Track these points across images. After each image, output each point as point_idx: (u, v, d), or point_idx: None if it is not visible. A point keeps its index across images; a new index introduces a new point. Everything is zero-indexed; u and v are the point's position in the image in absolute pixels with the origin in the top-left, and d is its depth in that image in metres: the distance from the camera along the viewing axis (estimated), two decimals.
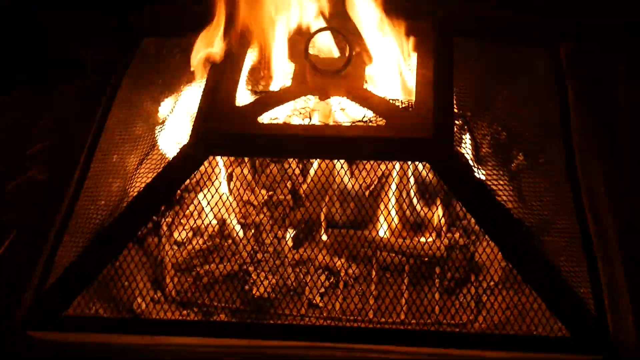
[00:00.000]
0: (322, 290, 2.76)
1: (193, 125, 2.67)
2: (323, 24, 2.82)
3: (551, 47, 3.18)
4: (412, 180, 2.77)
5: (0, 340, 2.57)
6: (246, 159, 2.89)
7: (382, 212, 2.81)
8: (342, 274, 2.79)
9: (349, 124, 2.64)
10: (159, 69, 3.14)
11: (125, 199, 2.75)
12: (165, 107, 3.01)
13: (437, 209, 2.81)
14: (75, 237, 2.74)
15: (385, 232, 2.80)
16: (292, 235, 2.83)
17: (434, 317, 2.67)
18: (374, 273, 2.79)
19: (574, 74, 3.10)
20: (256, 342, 2.58)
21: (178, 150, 2.67)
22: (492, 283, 2.69)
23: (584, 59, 3.14)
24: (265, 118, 2.65)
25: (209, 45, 2.81)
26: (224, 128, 2.62)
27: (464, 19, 3.11)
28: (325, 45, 2.88)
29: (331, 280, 2.79)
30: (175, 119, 2.92)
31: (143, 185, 2.69)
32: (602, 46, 3.17)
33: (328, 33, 2.85)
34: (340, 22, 2.84)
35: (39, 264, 2.70)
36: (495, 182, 2.65)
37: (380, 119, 2.62)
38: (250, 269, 2.78)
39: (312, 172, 2.84)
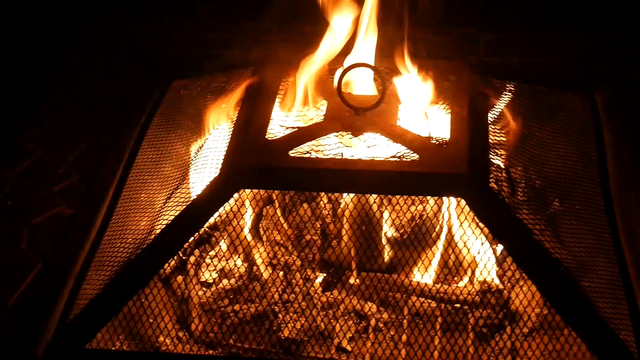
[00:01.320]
0: (351, 334, 2.67)
1: (224, 158, 2.63)
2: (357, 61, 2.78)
3: (587, 91, 3.13)
4: (445, 221, 2.70)
5: None
6: (276, 199, 2.83)
7: (413, 255, 2.73)
8: (371, 320, 2.70)
9: (382, 159, 2.59)
10: (189, 109, 3.11)
11: (152, 235, 2.69)
12: (195, 148, 2.97)
13: (470, 252, 2.72)
14: (100, 272, 2.69)
15: (417, 277, 2.72)
16: (321, 278, 2.76)
17: None
18: (405, 319, 2.70)
19: (610, 118, 3.05)
20: None
21: (207, 184, 2.62)
22: (526, 330, 2.61)
23: (620, 103, 3.10)
24: (296, 152, 2.60)
25: None
26: (254, 161, 2.58)
27: (498, 62, 3.07)
28: (358, 82, 2.84)
29: (360, 324, 2.71)
30: (206, 158, 2.87)
31: (171, 219, 2.63)
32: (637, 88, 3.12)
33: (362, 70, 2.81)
34: (374, 59, 2.80)
35: (62, 297, 2.66)
36: (532, 222, 2.57)
37: (414, 154, 2.57)
38: (277, 309, 2.70)
39: (343, 212, 2.76)
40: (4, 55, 3.45)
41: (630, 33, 3.28)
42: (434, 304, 2.71)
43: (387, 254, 2.75)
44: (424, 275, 2.74)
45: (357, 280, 2.76)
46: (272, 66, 2.88)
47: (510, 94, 2.98)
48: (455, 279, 2.73)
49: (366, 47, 2.82)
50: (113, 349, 2.58)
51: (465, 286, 2.72)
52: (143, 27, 3.49)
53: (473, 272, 2.73)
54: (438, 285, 2.73)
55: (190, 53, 3.43)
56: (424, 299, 2.72)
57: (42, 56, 3.50)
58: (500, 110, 2.87)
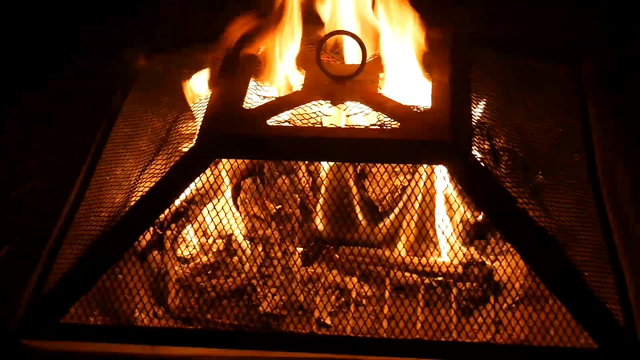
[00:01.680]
0: (332, 309, 2.62)
1: (199, 128, 2.57)
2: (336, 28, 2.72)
3: (572, 63, 3.09)
4: (426, 192, 2.65)
5: None
6: (254, 171, 2.76)
7: (395, 228, 2.68)
8: (353, 294, 2.65)
9: (362, 127, 2.53)
10: (166, 84, 3.05)
11: (126, 208, 2.63)
12: (172, 122, 2.91)
13: (452, 223, 2.67)
14: (74, 246, 2.63)
15: (399, 250, 2.66)
16: (301, 252, 2.69)
17: (450, 338, 2.51)
18: (387, 293, 2.64)
19: (595, 89, 3.01)
20: (261, 353, 2.44)
21: (183, 154, 2.56)
22: (510, 301, 2.56)
23: (605, 74, 3.06)
24: (274, 121, 2.54)
25: None
26: (231, 130, 2.52)
27: (482, 30, 3.02)
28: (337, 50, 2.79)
29: (341, 299, 2.65)
30: (182, 130, 2.81)
31: (145, 191, 2.57)
32: (623, 62, 3.07)
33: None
34: (354, 27, 2.74)
35: (35, 272, 2.60)
36: (516, 190, 2.52)
37: (395, 122, 2.51)
38: (255, 283, 2.64)
39: (323, 183, 2.70)
40: None
41: (616, 5, 3.24)
42: (415, 277, 2.65)
43: (367, 226, 2.68)
44: (406, 248, 2.67)
45: (337, 255, 2.70)
46: (248, 36, 2.81)
47: (494, 63, 2.92)
48: (437, 251, 2.66)
49: (346, 14, 2.76)
50: (87, 323, 2.51)
51: (447, 259, 2.66)
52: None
53: (455, 244, 2.66)
54: (420, 258, 2.66)
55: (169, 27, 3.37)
56: (405, 272, 2.65)
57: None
58: (484, 79, 2.81)
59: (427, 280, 2.65)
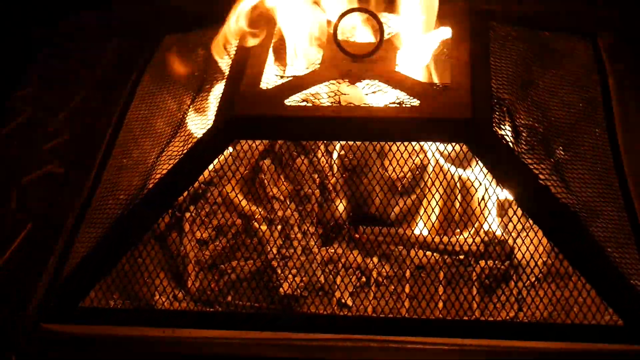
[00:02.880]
0: (352, 289, 2.60)
1: (217, 109, 2.55)
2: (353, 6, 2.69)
3: (590, 36, 3.05)
4: (447, 171, 2.62)
5: (14, 333, 2.44)
6: (273, 151, 2.74)
7: (416, 207, 2.65)
8: (374, 274, 2.63)
9: (381, 106, 2.50)
10: (181, 65, 3.02)
11: (144, 191, 2.61)
12: (188, 103, 2.89)
13: (473, 201, 2.64)
14: (92, 230, 2.62)
15: (420, 229, 2.64)
16: (321, 232, 2.67)
17: (473, 316, 2.49)
18: (408, 272, 2.62)
19: (614, 63, 2.97)
20: (282, 335, 2.42)
21: (201, 135, 2.54)
22: (532, 278, 2.53)
23: (623, 48, 3.03)
24: (292, 101, 2.51)
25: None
26: (249, 110, 2.49)
27: (498, 9, 2.98)
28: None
29: (362, 279, 2.63)
30: (199, 112, 2.79)
31: (164, 173, 2.55)
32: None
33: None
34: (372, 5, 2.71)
35: (54, 256, 2.59)
36: (537, 166, 2.49)
37: (415, 100, 2.48)
38: (275, 264, 2.62)
39: (342, 162, 2.68)
40: None
41: None
42: (437, 256, 2.63)
43: (387, 206, 2.66)
44: (427, 227, 2.65)
45: (357, 235, 2.68)
46: (263, 16, 2.78)
47: (512, 39, 2.88)
48: (458, 229, 2.63)
49: None
50: (107, 307, 2.50)
51: (468, 237, 2.63)
52: None
53: (477, 222, 2.64)
54: (441, 237, 2.64)
55: (183, 8, 3.33)
56: (426, 251, 2.63)
57: (34, 15, 3.41)
58: (502, 55, 2.77)
59: (448, 259, 2.63)
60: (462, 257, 2.64)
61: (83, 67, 3.22)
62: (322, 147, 2.70)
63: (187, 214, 2.73)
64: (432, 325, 2.43)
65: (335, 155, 2.71)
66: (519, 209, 2.51)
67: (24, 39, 3.40)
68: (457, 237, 2.64)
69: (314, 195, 2.71)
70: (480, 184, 2.56)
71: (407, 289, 2.58)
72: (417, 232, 2.66)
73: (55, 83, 3.19)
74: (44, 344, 2.44)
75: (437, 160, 2.60)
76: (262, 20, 2.75)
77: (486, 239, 2.63)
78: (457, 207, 2.63)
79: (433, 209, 2.63)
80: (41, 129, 3.00)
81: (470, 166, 2.57)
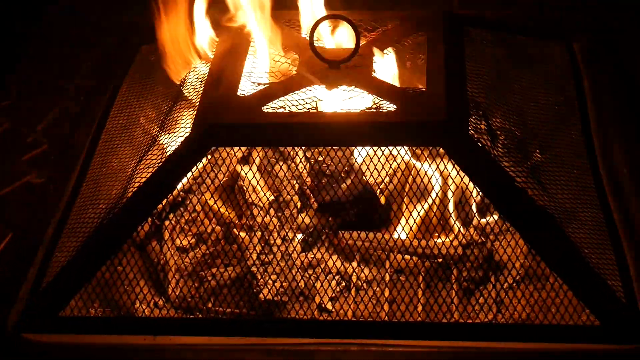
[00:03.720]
0: (332, 293, 2.61)
1: (195, 117, 2.56)
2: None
3: (565, 40, 3.08)
4: (424, 175, 2.63)
5: None
6: (251, 158, 2.75)
7: (394, 211, 2.67)
8: (354, 278, 2.64)
9: (358, 111, 2.52)
10: (158, 74, 3.02)
11: (123, 200, 2.62)
12: (166, 111, 2.89)
13: (450, 204, 2.66)
14: (72, 239, 2.61)
15: (398, 233, 2.66)
16: (300, 238, 2.69)
17: (452, 319, 2.51)
18: (387, 276, 2.64)
19: (588, 65, 3.00)
20: (263, 340, 2.43)
21: (179, 143, 2.55)
22: (510, 280, 2.55)
23: (597, 51, 3.06)
24: (269, 108, 2.53)
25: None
26: (227, 117, 2.51)
27: (472, 14, 3.00)
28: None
29: (342, 283, 2.64)
30: (177, 120, 2.80)
31: (142, 181, 2.56)
32: (615, 38, 3.07)
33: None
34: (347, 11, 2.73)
35: (33, 266, 2.58)
36: (514, 169, 2.51)
37: (391, 105, 2.50)
38: (255, 270, 2.63)
39: (320, 168, 2.70)
40: None
41: None
42: (415, 259, 2.64)
43: (365, 210, 2.68)
44: (405, 230, 2.67)
45: (336, 240, 2.69)
46: (240, 24, 2.80)
47: (487, 43, 2.90)
48: (437, 233, 2.65)
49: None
50: (88, 315, 2.50)
51: (447, 240, 2.65)
52: None
53: (455, 225, 2.66)
54: (419, 241, 2.65)
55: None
56: (405, 254, 2.65)
57: (10, 27, 3.42)
58: (477, 59, 2.80)
59: (427, 263, 2.64)
60: (440, 260, 2.65)
61: (61, 77, 3.21)
62: (300, 153, 2.71)
63: (167, 222, 2.73)
64: (411, 328, 2.44)
65: (313, 160, 2.72)
66: (496, 211, 2.53)
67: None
68: (436, 240, 2.65)
69: (293, 201, 2.72)
70: (457, 187, 2.58)
71: (386, 293, 2.59)
72: (395, 236, 2.66)
73: (33, 94, 3.18)
74: (24, 354, 2.43)
75: (414, 164, 2.62)
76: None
77: (464, 241, 2.64)
78: (434, 210, 2.64)
79: (411, 213, 2.64)
80: (20, 140, 2.98)
81: (447, 169, 2.59)
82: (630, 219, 2.58)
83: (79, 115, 3.03)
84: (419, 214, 2.66)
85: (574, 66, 3.02)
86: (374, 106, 2.53)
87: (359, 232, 2.68)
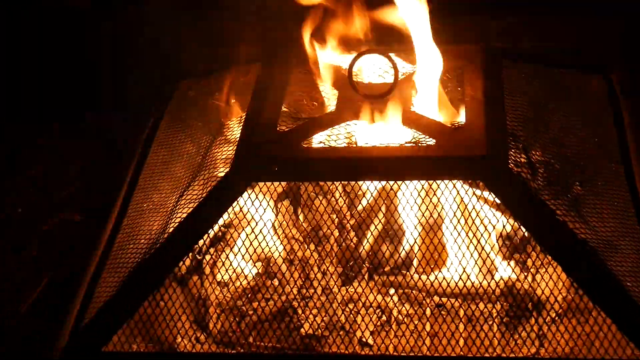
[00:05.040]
0: (373, 328, 2.61)
1: (235, 152, 2.57)
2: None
3: (603, 72, 3.07)
4: (465, 208, 2.63)
5: None
6: (291, 193, 2.76)
7: (434, 246, 2.66)
8: (394, 312, 2.64)
9: (398, 145, 2.52)
10: (198, 109, 3.06)
11: (165, 235, 2.63)
12: (206, 146, 2.91)
13: (493, 238, 2.66)
14: (114, 274, 2.64)
15: (436, 276, 2.65)
16: (340, 273, 2.69)
17: (494, 353, 2.50)
18: (428, 311, 2.63)
19: (627, 98, 2.99)
20: None
21: (220, 179, 2.56)
22: (553, 314, 2.54)
23: (637, 82, 3.04)
24: (309, 143, 2.55)
25: None
26: (266, 152, 2.52)
27: (510, 47, 3.01)
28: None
29: (382, 317, 2.64)
30: (217, 155, 2.82)
31: (183, 217, 2.58)
32: None
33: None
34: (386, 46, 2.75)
35: (76, 302, 2.61)
36: (554, 202, 2.50)
37: (431, 139, 2.51)
38: (296, 305, 2.64)
39: (360, 202, 2.70)
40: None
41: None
42: (457, 300, 2.64)
43: (404, 248, 2.67)
44: (444, 270, 2.66)
45: (376, 277, 2.69)
46: (280, 59, 2.82)
47: (525, 76, 2.90)
48: (477, 267, 2.63)
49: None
50: (130, 351, 2.52)
51: (488, 277, 2.63)
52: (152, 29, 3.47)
53: (496, 260, 2.64)
54: (459, 283, 2.63)
55: (196, 53, 3.38)
56: (446, 299, 2.64)
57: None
58: (516, 92, 2.80)
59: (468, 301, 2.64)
60: (481, 304, 2.63)
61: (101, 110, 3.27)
62: (340, 187, 2.71)
63: (208, 257, 2.75)
64: None
65: (353, 194, 2.73)
66: (537, 245, 2.52)
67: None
68: (476, 280, 2.62)
69: (333, 236, 2.73)
70: (498, 221, 2.57)
71: (427, 327, 2.58)
72: (433, 277, 2.64)
73: (73, 129, 3.23)
74: None
75: (453, 198, 2.61)
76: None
77: (506, 275, 2.63)
78: (475, 245, 2.63)
79: (452, 248, 2.64)
80: (60, 176, 3.02)
81: (488, 203, 2.58)
82: None
83: (120, 149, 3.05)
84: (459, 249, 2.65)
85: (612, 98, 3.01)
86: (413, 140, 2.53)
87: (395, 275, 2.67)
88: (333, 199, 2.73)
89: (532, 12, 3.28)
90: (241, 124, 2.72)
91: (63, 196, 2.97)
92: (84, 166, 3.08)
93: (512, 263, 2.64)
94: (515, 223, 2.56)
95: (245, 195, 2.58)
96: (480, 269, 2.60)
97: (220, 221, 2.69)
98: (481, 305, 2.61)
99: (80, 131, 3.24)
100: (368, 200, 2.66)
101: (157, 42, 3.51)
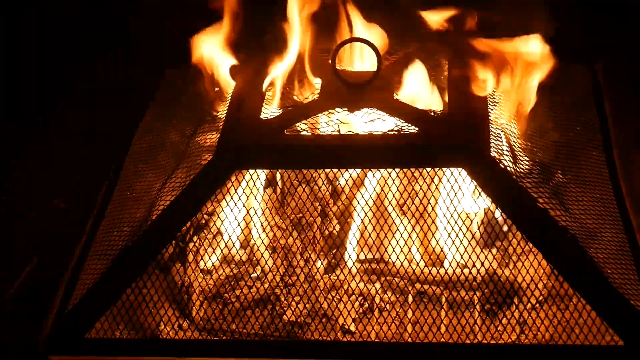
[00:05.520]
0: (355, 315, 2.62)
1: (218, 140, 2.58)
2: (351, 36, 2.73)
3: (586, 62, 3.09)
4: (447, 195, 2.64)
5: None
6: (274, 181, 2.77)
7: (417, 233, 2.67)
8: (376, 300, 2.65)
9: (380, 133, 2.53)
10: (182, 98, 3.06)
11: (148, 222, 2.64)
12: (190, 135, 2.92)
13: (474, 226, 2.67)
14: (98, 262, 2.64)
15: (417, 263, 2.66)
16: (323, 260, 2.70)
17: (475, 340, 2.51)
18: (410, 298, 2.65)
19: (610, 87, 3.01)
20: None
21: (203, 166, 2.57)
22: (533, 300, 2.55)
23: (619, 73, 3.06)
24: (292, 131, 2.55)
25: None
26: (249, 140, 2.53)
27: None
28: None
29: (364, 305, 2.65)
30: (201, 143, 2.82)
31: (167, 204, 2.58)
32: (636, 59, 3.09)
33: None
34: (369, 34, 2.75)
35: (60, 289, 2.61)
36: (536, 190, 2.51)
37: (413, 127, 2.52)
38: (279, 292, 2.65)
39: (343, 190, 2.71)
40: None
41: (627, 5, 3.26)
42: (439, 290, 2.66)
43: (386, 235, 2.67)
44: (424, 259, 2.67)
45: (358, 264, 2.70)
46: (263, 48, 2.83)
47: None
48: (459, 254, 2.64)
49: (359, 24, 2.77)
50: (113, 337, 2.52)
51: (469, 265, 2.63)
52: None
53: (477, 248, 2.65)
54: (440, 268, 2.65)
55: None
56: (427, 286, 2.65)
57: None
58: (499, 81, 2.81)
59: (450, 289, 2.65)
60: (463, 292, 2.65)
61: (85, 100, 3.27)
62: (322, 175, 2.72)
63: (191, 244, 2.76)
64: (435, 348, 2.45)
65: (336, 182, 2.74)
66: (518, 232, 2.53)
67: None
68: (457, 268, 2.64)
69: (316, 223, 2.74)
70: (480, 209, 2.59)
71: (409, 314, 2.60)
72: (414, 265, 2.66)
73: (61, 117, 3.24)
74: None
75: (436, 186, 2.62)
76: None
77: (487, 263, 2.64)
78: (456, 232, 2.64)
79: (433, 235, 2.65)
80: (47, 163, 3.02)
81: (470, 190, 2.60)
82: None
83: (103, 138, 3.06)
84: (441, 236, 2.66)
85: (595, 88, 3.03)
86: (396, 128, 2.54)
87: (377, 263, 2.69)
88: (316, 186, 2.74)
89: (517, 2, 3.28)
90: (225, 112, 2.72)
91: (50, 184, 2.96)
92: (70, 155, 3.07)
93: (494, 251, 2.65)
94: (497, 211, 2.57)
95: (228, 183, 2.59)
96: (461, 256, 2.61)
97: (204, 209, 2.69)
98: (462, 293, 2.62)
99: (66, 120, 3.24)
100: (351, 188, 2.67)
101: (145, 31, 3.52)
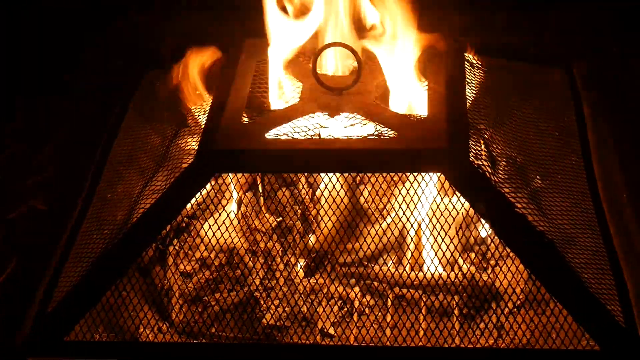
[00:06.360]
0: (335, 319, 2.63)
1: (199, 143, 2.59)
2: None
3: (564, 66, 3.11)
4: (425, 200, 2.66)
5: None
6: (254, 184, 2.78)
7: (395, 237, 2.69)
8: (356, 304, 2.66)
9: (360, 138, 2.54)
10: (163, 100, 3.06)
11: (128, 225, 2.64)
12: (171, 138, 2.93)
13: (453, 230, 2.68)
14: (78, 264, 2.64)
15: (396, 267, 2.68)
16: (303, 263, 2.71)
17: (453, 344, 2.53)
18: (389, 302, 2.66)
19: (588, 91, 3.03)
20: None
21: (183, 170, 2.58)
22: (511, 305, 2.58)
23: (597, 76, 3.09)
24: (272, 135, 2.56)
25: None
26: (229, 144, 2.54)
27: (473, 41, 3.02)
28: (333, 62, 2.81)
29: (344, 309, 2.67)
30: (182, 146, 2.83)
31: (147, 207, 2.59)
32: (615, 62, 3.10)
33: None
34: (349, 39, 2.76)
35: (39, 290, 2.61)
36: (514, 195, 2.53)
37: (393, 132, 2.53)
38: (258, 295, 2.66)
39: (322, 194, 2.72)
40: None
41: (604, 6, 3.28)
42: (418, 294, 2.67)
43: (365, 240, 2.69)
44: (403, 263, 2.69)
45: (338, 267, 2.71)
46: (245, 51, 2.84)
47: (488, 69, 2.93)
48: (437, 259, 2.66)
49: (340, 27, 2.78)
50: (92, 340, 2.52)
51: (448, 269, 2.66)
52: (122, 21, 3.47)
53: (455, 252, 2.67)
54: (419, 272, 2.67)
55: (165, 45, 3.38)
56: (406, 290, 2.67)
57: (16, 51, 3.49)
58: (478, 85, 2.83)
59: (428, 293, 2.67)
60: (442, 296, 2.66)
61: (66, 99, 3.26)
62: (302, 179, 2.74)
63: (171, 248, 2.76)
64: (413, 352, 2.46)
65: (316, 186, 2.75)
66: (496, 237, 2.55)
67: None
68: (436, 272, 2.66)
69: (295, 227, 2.75)
70: (458, 213, 2.60)
71: (388, 318, 2.61)
72: (393, 269, 2.68)
73: (39, 116, 3.22)
74: None
75: (415, 190, 2.64)
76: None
77: (465, 268, 2.66)
78: (435, 237, 2.66)
79: (412, 239, 2.67)
80: (25, 164, 3.02)
81: (448, 195, 2.61)
82: (630, 243, 2.60)
83: (84, 139, 3.05)
84: (420, 241, 2.68)
85: (573, 91, 3.05)
86: (376, 133, 2.55)
87: (356, 266, 2.70)
88: (296, 190, 2.75)
89: (495, 7, 3.31)
90: (206, 115, 2.73)
91: (29, 185, 2.95)
92: (51, 155, 3.06)
93: (472, 255, 2.67)
94: (475, 216, 2.59)
95: (208, 186, 2.59)
96: (440, 260, 2.63)
97: (184, 212, 2.70)
98: (441, 297, 2.64)
99: (47, 118, 3.23)
100: (330, 192, 2.68)
101: (125, 32, 3.52)
